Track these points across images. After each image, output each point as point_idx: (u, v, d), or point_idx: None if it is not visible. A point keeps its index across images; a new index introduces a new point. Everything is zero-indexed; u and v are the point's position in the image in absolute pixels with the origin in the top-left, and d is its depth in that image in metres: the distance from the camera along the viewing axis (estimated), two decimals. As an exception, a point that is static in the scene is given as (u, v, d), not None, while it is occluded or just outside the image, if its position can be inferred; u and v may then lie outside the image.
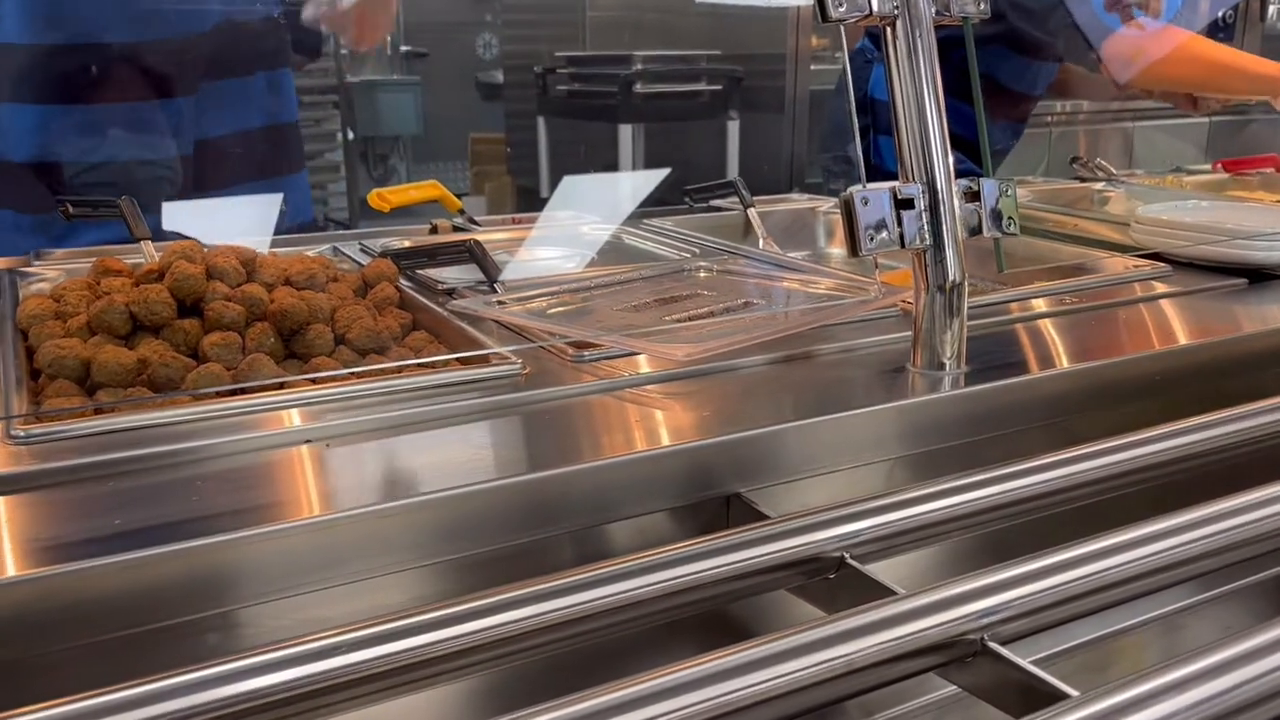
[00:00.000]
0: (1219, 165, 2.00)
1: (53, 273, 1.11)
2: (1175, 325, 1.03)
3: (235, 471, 0.67)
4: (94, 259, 1.01)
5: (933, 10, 0.81)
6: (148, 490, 0.64)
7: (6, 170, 1.36)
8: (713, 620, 0.70)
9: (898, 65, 0.81)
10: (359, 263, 1.19)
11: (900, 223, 0.81)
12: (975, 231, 0.84)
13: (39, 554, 0.56)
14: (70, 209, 1.25)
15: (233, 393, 0.77)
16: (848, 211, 0.79)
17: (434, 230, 1.42)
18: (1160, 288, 1.14)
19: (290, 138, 1.60)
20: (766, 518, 0.68)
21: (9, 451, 0.67)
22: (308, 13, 1.54)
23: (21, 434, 0.68)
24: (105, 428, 0.70)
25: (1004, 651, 0.55)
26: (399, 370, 0.81)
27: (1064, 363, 0.91)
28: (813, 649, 0.52)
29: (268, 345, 0.85)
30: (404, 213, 1.49)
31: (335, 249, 1.29)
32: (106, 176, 1.37)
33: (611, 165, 3.57)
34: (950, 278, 0.82)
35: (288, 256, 1.00)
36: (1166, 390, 0.94)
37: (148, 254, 1.11)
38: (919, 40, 0.80)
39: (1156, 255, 1.24)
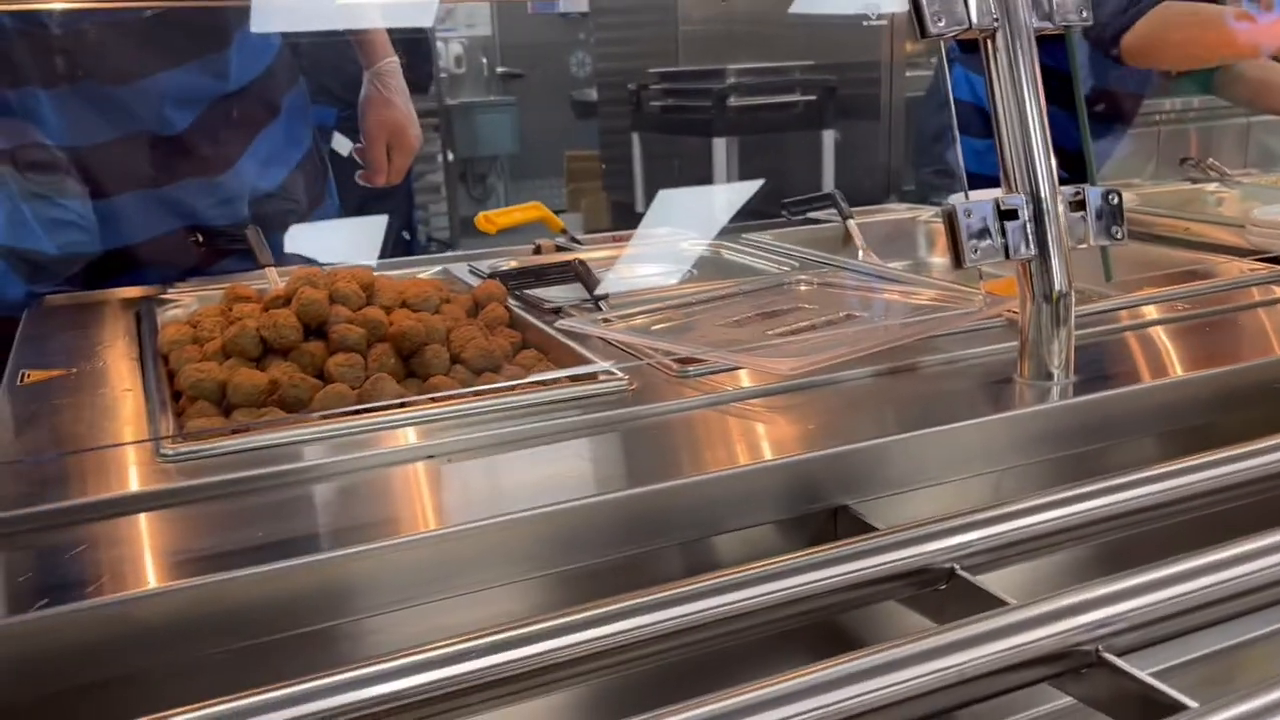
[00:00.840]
0: (1342, 160, 1.92)
1: (187, 299, 1.18)
2: (1296, 330, 1.00)
3: (362, 485, 0.71)
4: (223, 287, 1.07)
5: (1033, 20, 0.81)
6: (282, 504, 0.68)
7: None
8: (824, 630, 0.71)
9: (999, 77, 0.81)
10: (468, 284, 1.24)
11: (1004, 233, 0.80)
12: (1081, 240, 0.83)
13: (189, 565, 0.60)
14: (200, 238, 1.33)
15: (357, 411, 0.81)
16: (950, 224, 0.80)
17: (538, 250, 1.46)
18: (1278, 292, 1.10)
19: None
20: (875, 529, 0.69)
21: (159, 469, 0.72)
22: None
23: (170, 453, 0.73)
24: (242, 446, 0.74)
25: (1120, 662, 0.55)
26: (512, 388, 0.85)
27: (1176, 370, 0.90)
28: (925, 658, 0.53)
29: (388, 365, 0.89)
30: (506, 232, 1.53)
31: (445, 270, 1.33)
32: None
33: (706, 179, 3.59)
34: (1057, 288, 0.81)
35: (402, 280, 1.04)
36: (1287, 397, 0.92)
37: (271, 280, 1.17)
38: (1020, 51, 0.80)
39: (1275, 259, 1.20)
